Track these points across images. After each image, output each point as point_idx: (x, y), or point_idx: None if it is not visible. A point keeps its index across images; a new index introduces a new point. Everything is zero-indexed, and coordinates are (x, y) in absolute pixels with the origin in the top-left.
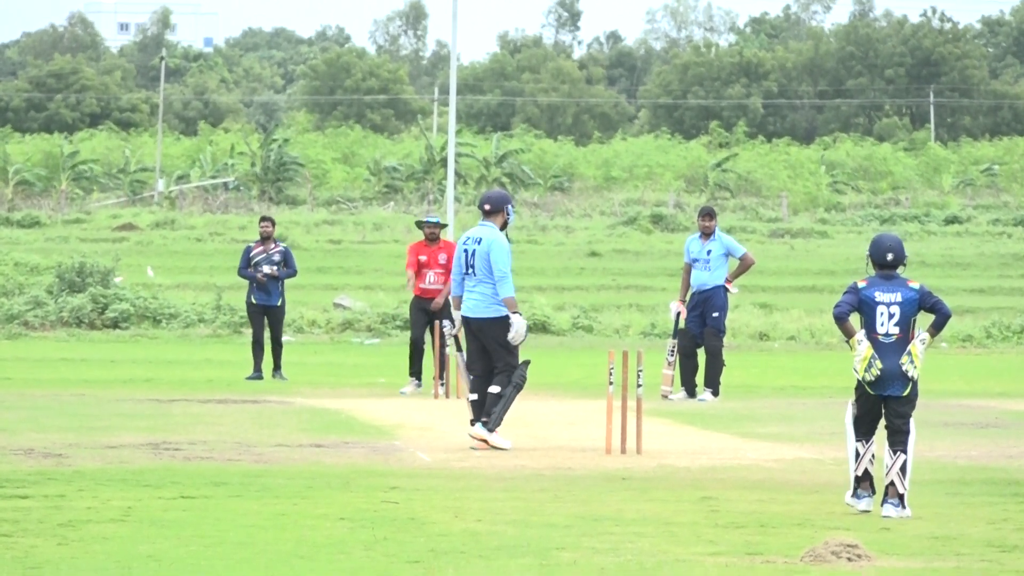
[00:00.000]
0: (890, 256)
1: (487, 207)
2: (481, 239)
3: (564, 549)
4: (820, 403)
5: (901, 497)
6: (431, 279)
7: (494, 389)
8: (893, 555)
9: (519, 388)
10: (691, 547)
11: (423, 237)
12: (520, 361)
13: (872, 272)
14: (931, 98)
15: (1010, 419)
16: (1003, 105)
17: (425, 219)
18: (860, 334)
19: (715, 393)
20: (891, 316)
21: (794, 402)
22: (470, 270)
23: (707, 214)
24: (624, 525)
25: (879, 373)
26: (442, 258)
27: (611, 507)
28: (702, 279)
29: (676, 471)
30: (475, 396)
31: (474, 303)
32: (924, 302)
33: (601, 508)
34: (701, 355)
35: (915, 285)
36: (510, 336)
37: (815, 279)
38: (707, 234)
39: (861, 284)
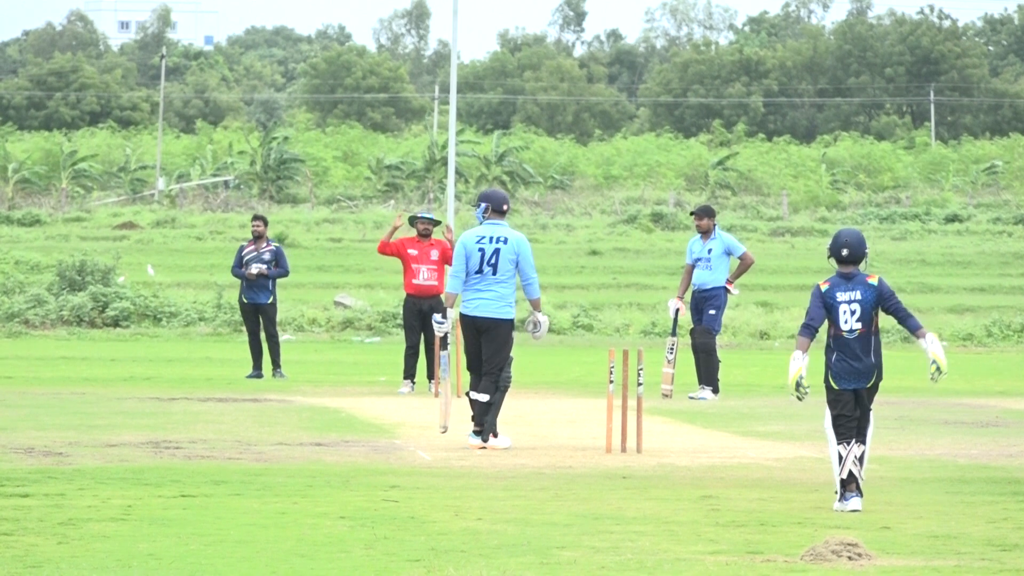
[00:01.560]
0: (845, 252)
1: (505, 207)
2: (507, 239)
3: (564, 548)
4: (820, 401)
5: (857, 484)
6: (424, 275)
7: (483, 397)
8: (893, 554)
9: (506, 391)
10: (691, 546)
11: (416, 233)
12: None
13: (834, 266)
14: (931, 96)
15: (1010, 418)
16: (1003, 104)
17: (419, 215)
18: (797, 353)
19: (715, 391)
20: (852, 313)
21: (794, 400)
22: (488, 269)
23: (705, 214)
24: (624, 524)
25: (806, 394)
26: (434, 255)
27: (611, 506)
28: (703, 278)
29: (676, 470)
30: (486, 397)
31: (486, 302)
32: (884, 301)
33: (601, 507)
34: None
35: (873, 281)
36: (537, 334)
37: (815, 277)
38: (705, 233)
39: (824, 287)
